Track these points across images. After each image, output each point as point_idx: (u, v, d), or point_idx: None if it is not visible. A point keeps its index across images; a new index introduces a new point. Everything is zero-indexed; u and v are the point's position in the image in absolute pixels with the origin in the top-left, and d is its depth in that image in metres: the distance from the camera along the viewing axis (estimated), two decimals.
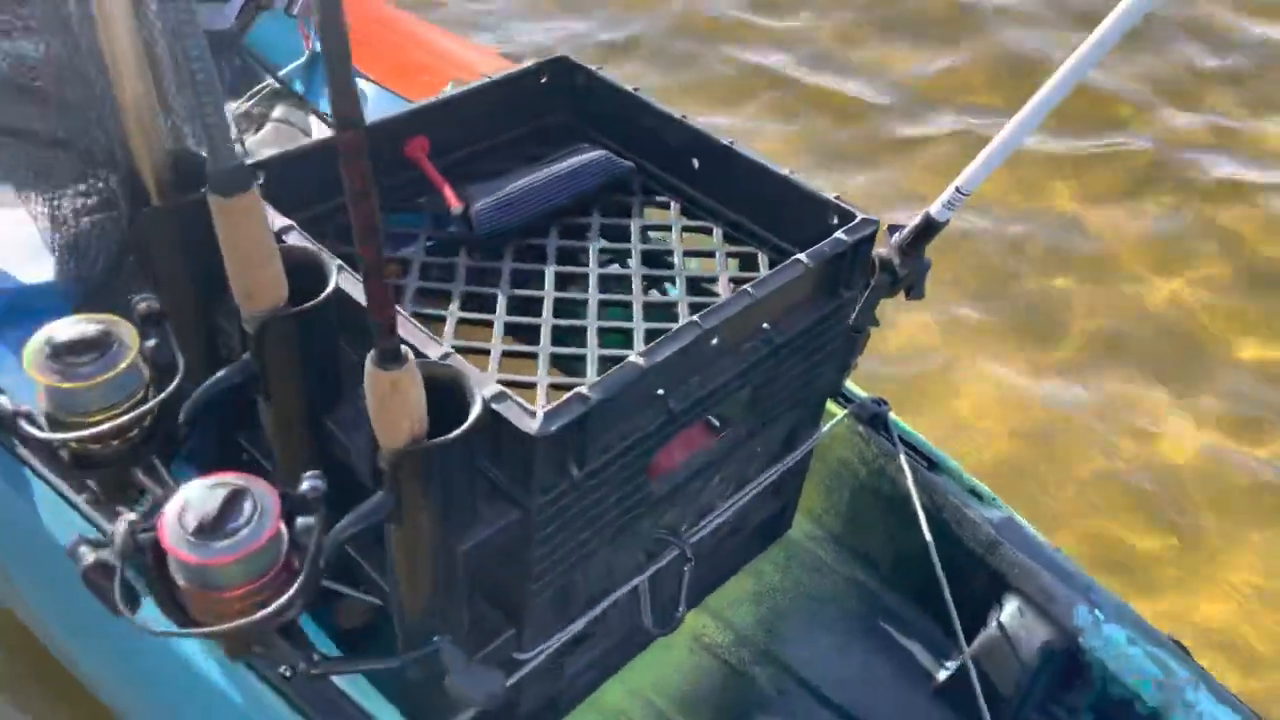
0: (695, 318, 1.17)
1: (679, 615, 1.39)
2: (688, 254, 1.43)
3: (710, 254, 1.44)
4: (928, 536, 1.47)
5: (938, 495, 1.55)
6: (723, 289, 1.37)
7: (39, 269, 1.63)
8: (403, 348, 0.88)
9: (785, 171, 1.42)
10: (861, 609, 1.64)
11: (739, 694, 1.53)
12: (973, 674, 1.39)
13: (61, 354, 0.92)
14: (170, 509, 0.84)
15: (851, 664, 1.57)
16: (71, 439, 0.94)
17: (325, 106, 1.99)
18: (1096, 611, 1.42)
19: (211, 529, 0.83)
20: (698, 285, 1.39)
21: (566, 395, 1.06)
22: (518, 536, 1.11)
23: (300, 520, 0.87)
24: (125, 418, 0.96)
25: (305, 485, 0.87)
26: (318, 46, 2.23)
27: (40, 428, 0.94)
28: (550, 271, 1.38)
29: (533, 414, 1.03)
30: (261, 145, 1.92)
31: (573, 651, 1.34)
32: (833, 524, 1.70)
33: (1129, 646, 1.39)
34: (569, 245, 1.44)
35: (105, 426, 0.94)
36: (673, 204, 1.51)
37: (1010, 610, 1.48)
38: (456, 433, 0.93)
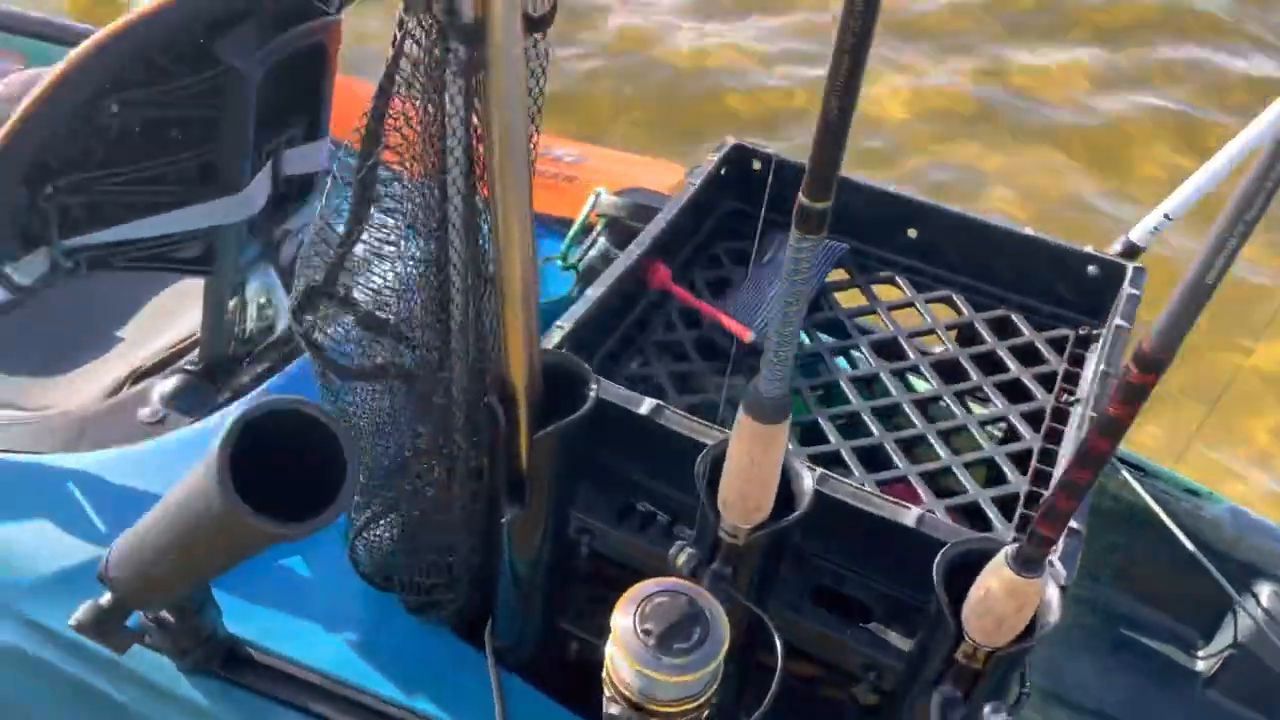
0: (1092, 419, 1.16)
1: None
2: (951, 327, 1.40)
3: (968, 326, 1.42)
4: (1188, 545, 1.53)
5: (1167, 500, 1.61)
6: (1012, 366, 1.35)
7: None
8: None
9: (1027, 231, 1.42)
10: (1099, 623, 1.69)
11: None
12: None
13: (666, 641, 0.80)
14: None
15: (1122, 680, 1.62)
16: None
17: None
18: None
19: None
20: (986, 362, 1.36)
21: (1063, 532, 1.02)
22: None
23: None
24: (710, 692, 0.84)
25: None
26: None
27: None
28: (845, 383, 1.32)
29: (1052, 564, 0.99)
30: None
31: None
32: None
33: None
34: (838, 346, 1.38)
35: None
36: (898, 278, 1.48)
37: (1268, 593, 1.57)
38: (1052, 625, 0.88)
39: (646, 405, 1.10)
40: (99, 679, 1.26)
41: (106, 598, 1.06)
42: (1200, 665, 1.64)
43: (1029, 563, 0.82)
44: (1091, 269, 1.38)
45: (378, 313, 0.96)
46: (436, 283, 0.95)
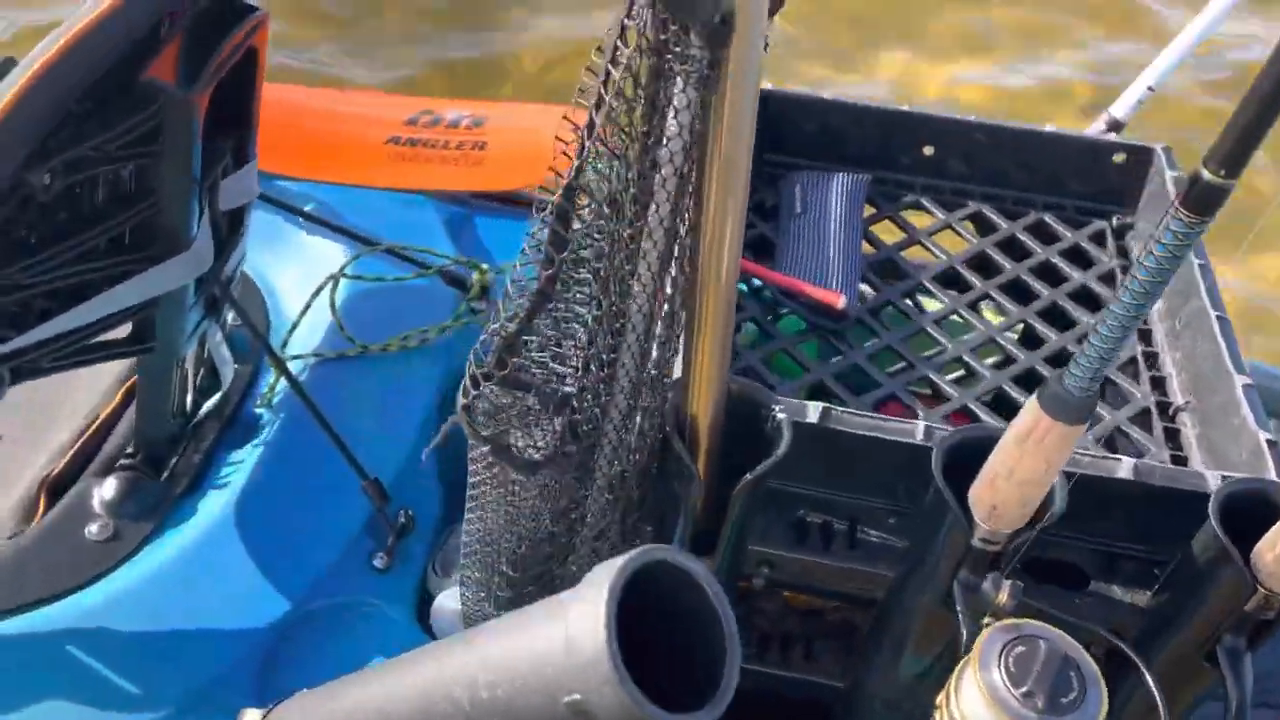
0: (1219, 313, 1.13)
1: None
2: (999, 245, 1.33)
3: (1008, 240, 1.35)
4: None
5: None
6: (1074, 273, 1.30)
7: None
8: None
9: (1047, 128, 1.36)
10: None
11: None
12: None
13: (1054, 700, 0.69)
14: None
15: None
16: None
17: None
18: None
19: None
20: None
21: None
22: None
23: None
24: None
25: None
26: None
27: None
28: (931, 330, 1.23)
29: None
30: None
31: None
32: None
33: None
34: (903, 287, 1.28)
35: None
36: (923, 201, 1.39)
37: None
38: None
39: (814, 411, 0.97)
40: None
41: None
42: None
43: None
44: (1118, 157, 1.35)
45: (561, 385, 0.78)
46: (611, 325, 0.78)
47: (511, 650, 0.60)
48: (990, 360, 1.21)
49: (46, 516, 1.29)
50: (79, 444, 1.38)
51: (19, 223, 0.96)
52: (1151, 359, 1.20)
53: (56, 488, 1.34)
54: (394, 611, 1.19)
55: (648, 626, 0.58)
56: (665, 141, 0.66)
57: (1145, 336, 1.23)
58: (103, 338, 1.16)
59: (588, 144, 0.66)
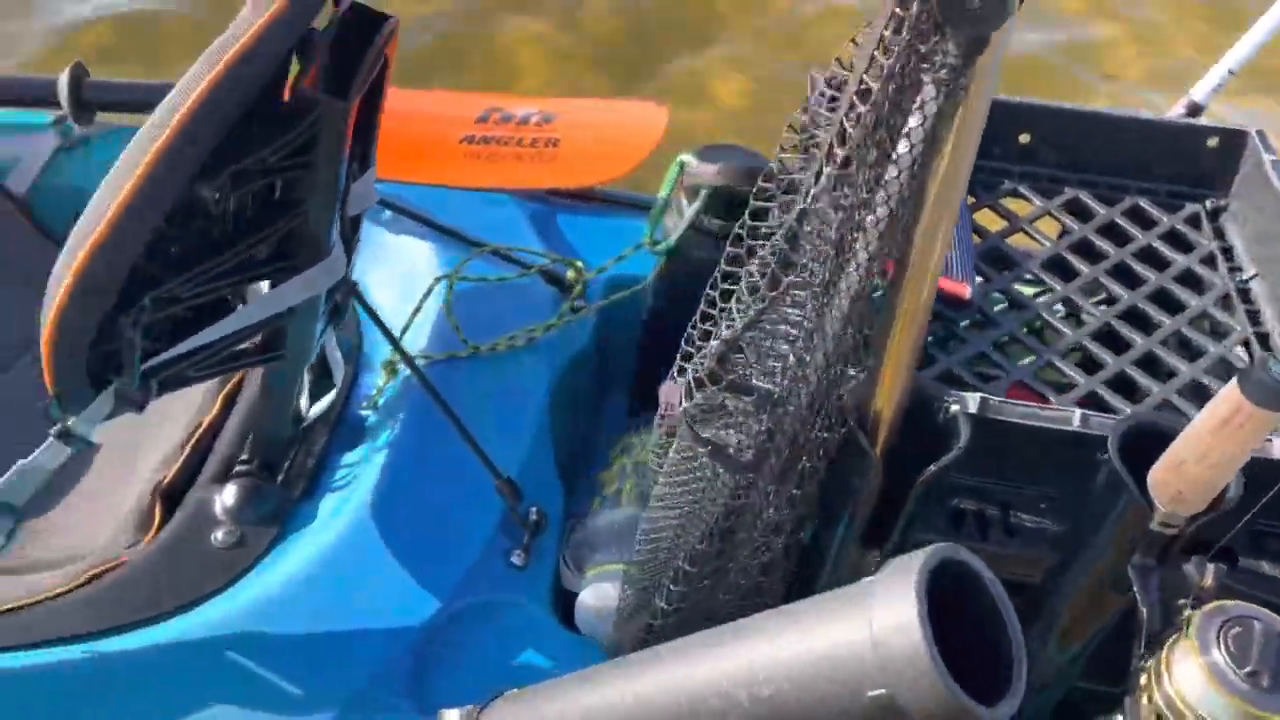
0: None
1: None
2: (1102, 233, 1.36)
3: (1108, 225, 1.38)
4: None
5: None
6: (1177, 256, 1.32)
7: None
8: None
9: (1143, 114, 1.39)
10: None
11: None
12: None
13: (1274, 670, 0.72)
14: None
15: None
16: None
17: None
18: None
19: None
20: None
21: None
22: None
23: None
24: None
25: None
26: None
27: None
28: (1046, 315, 1.25)
29: None
30: None
31: None
32: None
33: None
34: (1010, 274, 1.31)
35: None
36: (1021, 189, 1.41)
37: None
38: None
39: (973, 402, 0.99)
40: None
41: None
42: None
43: None
44: (1211, 141, 1.38)
45: (772, 384, 0.80)
46: (820, 325, 0.80)
47: (800, 645, 0.61)
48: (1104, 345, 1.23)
49: (169, 524, 1.29)
50: (188, 451, 1.38)
51: (185, 237, 0.96)
52: (1264, 339, 1.23)
53: (170, 495, 1.34)
54: (535, 608, 1.21)
55: (937, 622, 0.60)
56: (911, 147, 0.67)
57: (1254, 317, 1.26)
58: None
59: (837, 149, 0.68)
